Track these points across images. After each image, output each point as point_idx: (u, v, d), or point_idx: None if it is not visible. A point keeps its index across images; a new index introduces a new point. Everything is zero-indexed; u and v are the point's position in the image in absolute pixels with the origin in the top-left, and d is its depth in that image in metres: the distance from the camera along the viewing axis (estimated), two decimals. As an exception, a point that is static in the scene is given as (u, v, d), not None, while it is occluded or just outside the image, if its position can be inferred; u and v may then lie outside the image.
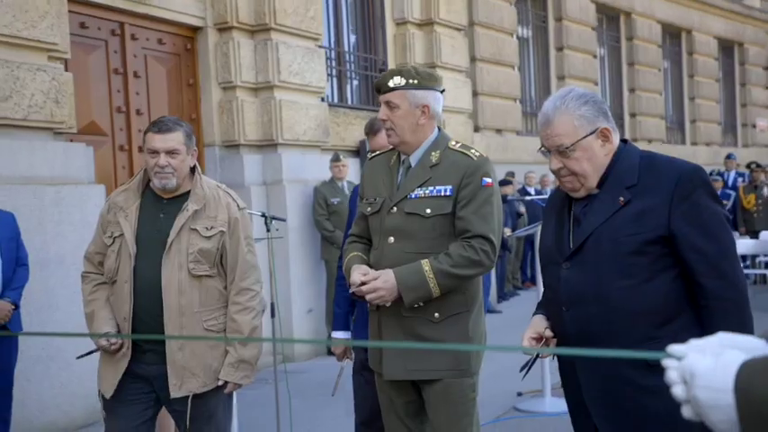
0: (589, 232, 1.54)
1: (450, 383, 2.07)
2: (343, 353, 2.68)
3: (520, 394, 4.40)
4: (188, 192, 2.27)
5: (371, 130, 2.75)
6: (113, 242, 2.26)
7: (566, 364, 1.66)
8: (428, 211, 2.02)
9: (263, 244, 3.29)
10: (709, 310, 1.46)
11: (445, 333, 2.02)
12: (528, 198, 8.21)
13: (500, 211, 2.08)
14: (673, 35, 12.74)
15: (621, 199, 1.53)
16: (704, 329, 1.36)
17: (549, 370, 4.40)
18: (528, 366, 1.81)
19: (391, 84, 2.07)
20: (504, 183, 7.55)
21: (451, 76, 7.29)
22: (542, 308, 1.74)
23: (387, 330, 2.09)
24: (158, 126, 2.28)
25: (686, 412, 0.75)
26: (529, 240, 8.23)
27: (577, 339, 1.54)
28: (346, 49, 7.08)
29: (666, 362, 0.77)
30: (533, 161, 8.41)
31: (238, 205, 2.35)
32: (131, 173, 4.87)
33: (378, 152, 2.32)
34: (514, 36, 9.36)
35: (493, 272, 7.86)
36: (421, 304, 1.99)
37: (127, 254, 2.20)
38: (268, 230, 3.46)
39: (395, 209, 2.06)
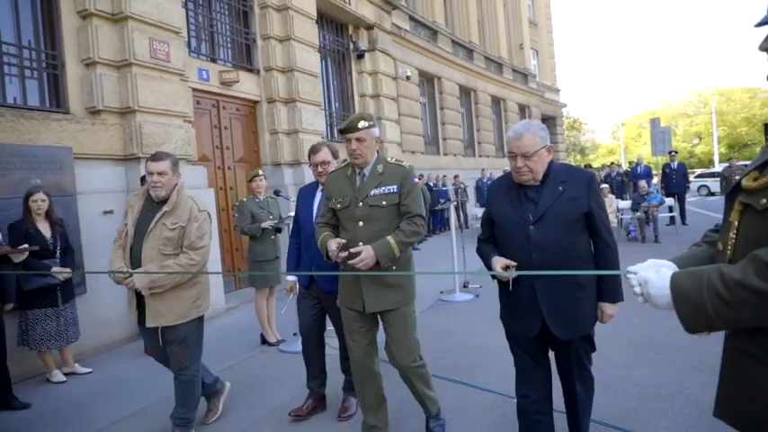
0: (546, 208, 2.29)
1: (404, 311, 2.92)
2: (291, 288, 3.87)
3: (441, 292, 7.00)
4: (167, 200, 3.10)
5: (313, 151, 3.50)
6: (125, 226, 3.19)
7: (522, 284, 2.33)
8: (384, 203, 2.80)
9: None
10: (603, 252, 2.37)
11: (399, 277, 2.87)
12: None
13: (421, 197, 2.89)
14: (463, 91, 18.21)
15: (560, 188, 2.32)
16: (598, 262, 2.36)
17: (458, 277, 7.32)
18: (508, 284, 2.37)
19: (360, 125, 2.81)
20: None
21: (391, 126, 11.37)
22: (495, 250, 2.43)
23: (365, 281, 2.83)
24: (154, 157, 3.16)
25: (640, 299, 1.31)
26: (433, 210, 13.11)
27: (540, 268, 2.21)
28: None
29: (629, 275, 1.34)
30: (431, 168, 13.80)
31: (198, 208, 3.18)
32: (225, 182, 7.85)
33: (335, 169, 3.16)
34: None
35: None
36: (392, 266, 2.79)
37: (130, 235, 3.12)
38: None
39: (361, 204, 2.81)
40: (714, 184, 24.51)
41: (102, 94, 5.69)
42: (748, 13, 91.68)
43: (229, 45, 8.32)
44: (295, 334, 5.19)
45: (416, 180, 2.88)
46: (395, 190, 2.82)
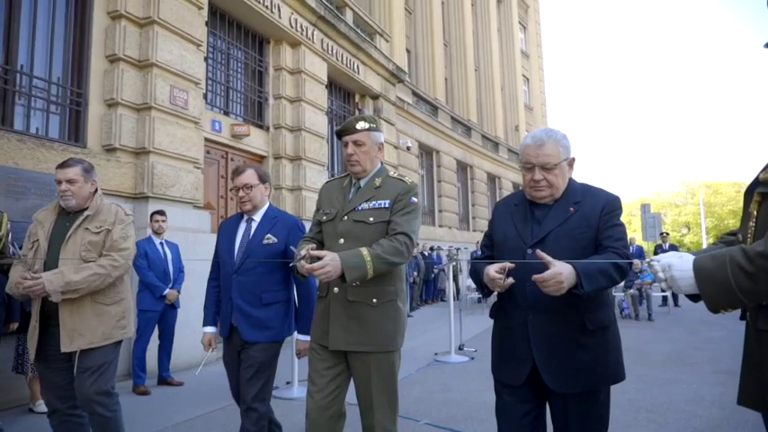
0: (549, 229, 1.97)
1: (382, 357, 2.32)
2: (208, 342, 2.96)
3: (436, 353, 6.93)
4: (87, 207, 2.77)
5: (236, 172, 2.96)
6: (32, 245, 2.73)
7: (514, 320, 2.01)
8: (371, 219, 2.34)
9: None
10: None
11: (381, 314, 2.32)
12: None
13: (419, 223, 2.39)
14: (460, 166, 18.92)
15: (572, 209, 1.99)
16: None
17: (454, 338, 7.16)
18: (485, 294, 2.11)
19: (359, 126, 2.40)
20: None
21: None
22: (485, 264, 2.01)
23: (334, 312, 2.35)
24: (62, 164, 2.78)
25: (663, 285, 1.38)
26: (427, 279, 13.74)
27: (536, 303, 1.91)
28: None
29: (652, 262, 1.41)
30: (426, 238, 13.77)
31: (125, 212, 2.88)
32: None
33: (332, 178, 2.69)
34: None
35: (408, 290, 11.97)
36: (358, 284, 2.23)
37: (43, 249, 2.69)
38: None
39: (345, 217, 2.38)
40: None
41: (120, 133, 5.88)
42: (736, 108, 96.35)
43: (242, 101, 8.66)
44: (288, 382, 5.12)
45: (415, 200, 2.40)
46: (386, 205, 2.36)
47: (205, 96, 7.58)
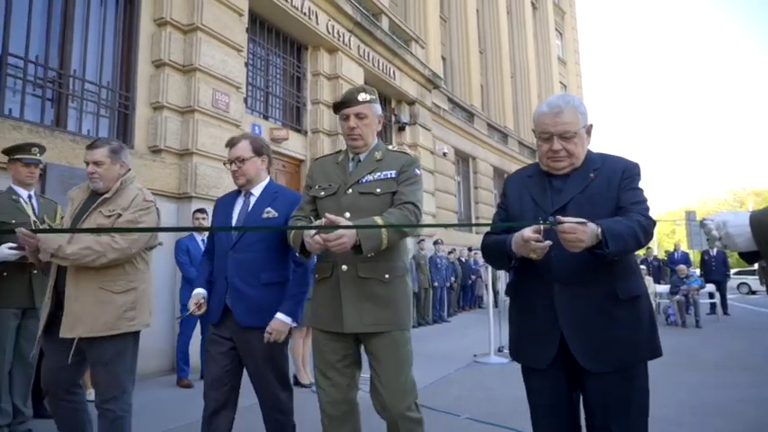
0: (570, 197, 1.88)
1: (397, 337, 2.22)
2: (198, 304, 2.58)
3: (475, 355, 6.86)
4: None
5: (230, 143, 2.72)
6: (61, 222, 2.87)
7: (538, 297, 1.87)
8: (378, 190, 2.26)
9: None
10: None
11: (394, 290, 2.24)
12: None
13: (422, 192, 2.32)
14: (497, 172, 18.49)
15: (592, 175, 1.90)
16: None
17: (493, 339, 7.03)
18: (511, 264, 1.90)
19: (360, 98, 2.31)
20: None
21: (427, 197, 10.99)
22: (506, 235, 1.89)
23: (346, 292, 2.21)
24: (90, 145, 2.71)
25: (718, 244, 1.36)
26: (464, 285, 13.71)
27: (561, 277, 1.81)
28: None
29: (705, 221, 1.37)
30: (463, 244, 11.87)
31: (144, 197, 2.68)
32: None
33: (323, 155, 2.60)
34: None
35: (446, 295, 11.97)
36: (370, 257, 2.12)
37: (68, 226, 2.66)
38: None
39: (350, 190, 2.28)
40: (754, 282, 23.74)
41: (165, 135, 6.08)
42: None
43: (281, 106, 8.84)
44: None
45: (418, 171, 2.34)
46: (393, 175, 2.29)
47: (245, 101, 7.76)
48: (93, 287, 2.52)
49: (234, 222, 2.66)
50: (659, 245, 45.93)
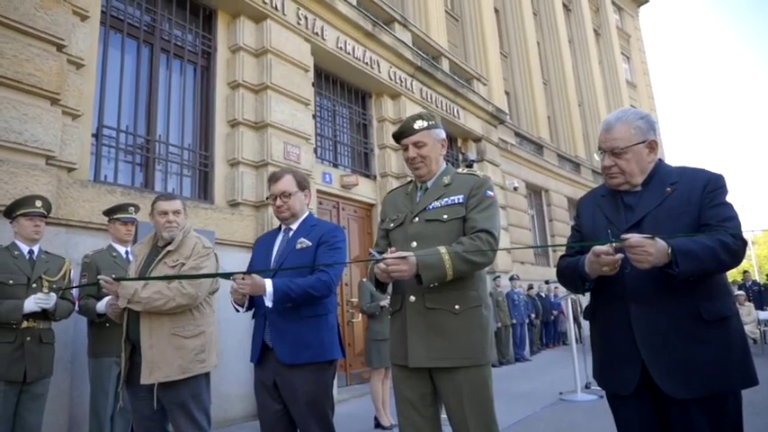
0: (644, 213, 1.79)
1: (474, 373, 2.04)
2: (245, 289, 2.44)
3: (561, 393, 6.54)
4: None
5: (272, 179, 2.74)
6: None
7: (614, 318, 1.78)
8: (445, 216, 2.15)
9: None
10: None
11: (465, 323, 2.07)
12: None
13: (499, 217, 2.20)
14: (572, 203, 17.35)
15: (669, 189, 1.79)
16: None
17: (579, 376, 6.75)
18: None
19: (416, 126, 2.26)
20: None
21: (502, 234, 10.69)
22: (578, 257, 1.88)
23: (412, 323, 2.11)
24: (165, 197, 2.98)
25: None
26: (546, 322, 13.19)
27: (636, 294, 1.72)
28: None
29: None
30: (541, 278, 11.32)
31: (203, 245, 2.87)
32: (341, 278, 8.54)
33: (395, 187, 2.57)
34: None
35: (527, 331, 11.54)
36: (436, 286, 2.02)
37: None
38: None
39: (416, 219, 2.21)
40: None
41: (242, 189, 6.41)
42: None
43: (349, 153, 9.11)
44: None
45: (490, 193, 2.20)
46: (461, 200, 2.18)
47: (315, 151, 8.07)
48: (166, 334, 2.67)
49: (273, 258, 2.64)
50: (760, 268, 42.25)
